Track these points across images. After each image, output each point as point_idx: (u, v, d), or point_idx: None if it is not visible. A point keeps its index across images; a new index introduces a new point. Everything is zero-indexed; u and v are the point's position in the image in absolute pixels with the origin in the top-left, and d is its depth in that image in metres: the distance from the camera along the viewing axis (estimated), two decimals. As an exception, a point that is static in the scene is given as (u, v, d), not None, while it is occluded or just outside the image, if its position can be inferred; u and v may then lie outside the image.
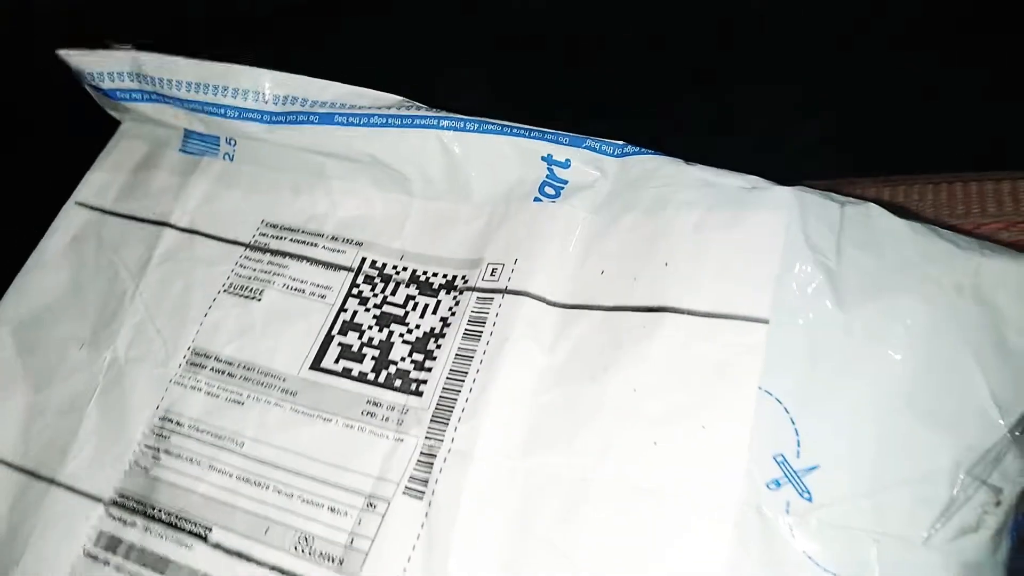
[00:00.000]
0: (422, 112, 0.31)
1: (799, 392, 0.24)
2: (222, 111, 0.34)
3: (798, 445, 0.23)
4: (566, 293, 0.28)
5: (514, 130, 0.30)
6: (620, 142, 0.29)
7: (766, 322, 0.24)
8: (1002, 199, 0.50)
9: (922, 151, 0.54)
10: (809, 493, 0.23)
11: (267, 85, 0.33)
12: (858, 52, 0.52)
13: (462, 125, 0.30)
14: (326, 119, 0.32)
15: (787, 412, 0.24)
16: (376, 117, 0.31)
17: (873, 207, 0.26)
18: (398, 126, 0.31)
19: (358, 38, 0.53)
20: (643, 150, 0.29)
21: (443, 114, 0.31)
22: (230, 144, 0.35)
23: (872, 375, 0.24)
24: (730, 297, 0.25)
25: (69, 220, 0.35)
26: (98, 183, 0.36)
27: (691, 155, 0.50)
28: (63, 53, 0.35)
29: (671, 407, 0.25)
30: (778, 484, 0.23)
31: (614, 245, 0.28)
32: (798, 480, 0.23)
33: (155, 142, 0.36)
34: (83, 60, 0.35)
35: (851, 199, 0.26)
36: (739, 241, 0.26)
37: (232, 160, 0.35)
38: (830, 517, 0.23)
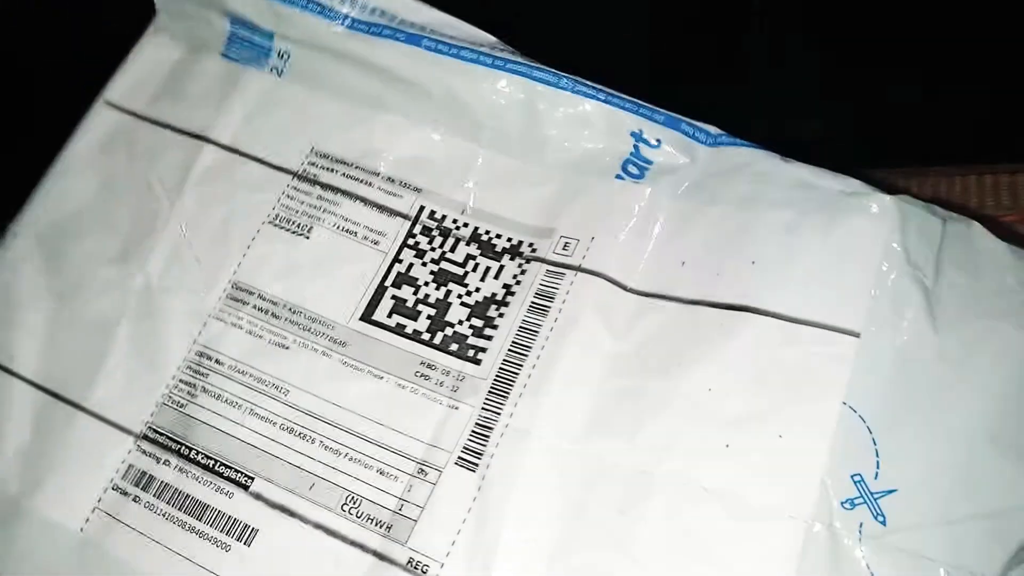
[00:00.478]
0: (516, 58, 0.29)
1: (884, 412, 0.23)
2: (302, 2, 0.31)
3: (877, 467, 0.23)
4: (643, 280, 0.27)
5: (608, 96, 0.28)
6: (716, 129, 0.28)
7: (858, 335, 0.24)
8: (1017, 192, 0.50)
9: (936, 143, 0.53)
10: (884, 516, 0.23)
11: None
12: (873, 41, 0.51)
13: (556, 80, 0.28)
14: (413, 39, 0.29)
15: (869, 431, 0.23)
16: (467, 51, 0.29)
17: (975, 225, 0.25)
18: (488, 65, 0.29)
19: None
20: (739, 141, 0.28)
21: (538, 64, 0.29)
22: (281, 58, 0.32)
23: (960, 402, 0.23)
24: (820, 304, 0.24)
25: (99, 121, 0.33)
26: (130, 83, 0.33)
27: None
28: None
29: (748, 411, 0.24)
30: (853, 504, 0.23)
31: (698, 236, 0.27)
32: (874, 502, 0.23)
33: (194, 42, 0.33)
34: None
35: (953, 214, 0.26)
36: (834, 247, 0.25)
37: (281, 76, 0.32)
38: (903, 543, 0.22)
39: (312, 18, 0.30)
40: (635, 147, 0.28)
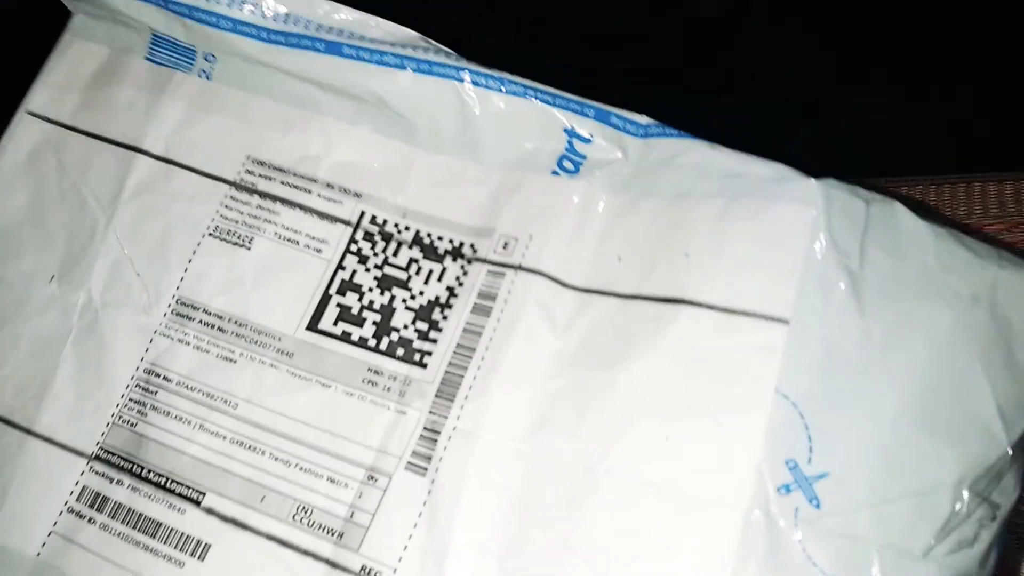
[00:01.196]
0: (440, 58, 0.29)
1: (814, 397, 0.24)
2: (213, 19, 0.30)
3: (810, 452, 0.24)
4: (582, 276, 0.27)
5: (539, 94, 0.28)
6: (647, 120, 0.28)
7: (787, 322, 0.24)
8: (1004, 200, 0.52)
9: (923, 152, 0.54)
10: (818, 500, 0.23)
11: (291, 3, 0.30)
12: (859, 51, 0.52)
13: (484, 81, 0.28)
14: (333, 48, 0.29)
15: (802, 417, 0.24)
16: (390, 56, 0.29)
17: (898, 206, 0.26)
18: (414, 70, 0.29)
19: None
20: (669, 131, 0.28)
21: (465, 64, 0.29)
22: (208, 60, 0.32)
23: (886, 384, 0.24)
24: (751, 293, 0.25)
25: (22, 132, 0.32)
26: (52, 90, 0.32)
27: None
28: None
29: (685, 402, 0.25)
30: (788, 489, 0.24)
31: (633, 230, 0.27)
32: (808, 486, 0.23)
33: (116, 45, 0.33)
34: None
35: (876, 195, 0.26)
36: (762, 235, 0.26)
37: (210, 79, 0.32)
38: (836, 525, 0.23)
39: (227, 35, 0.30)
40: (568, 143, 0.28)
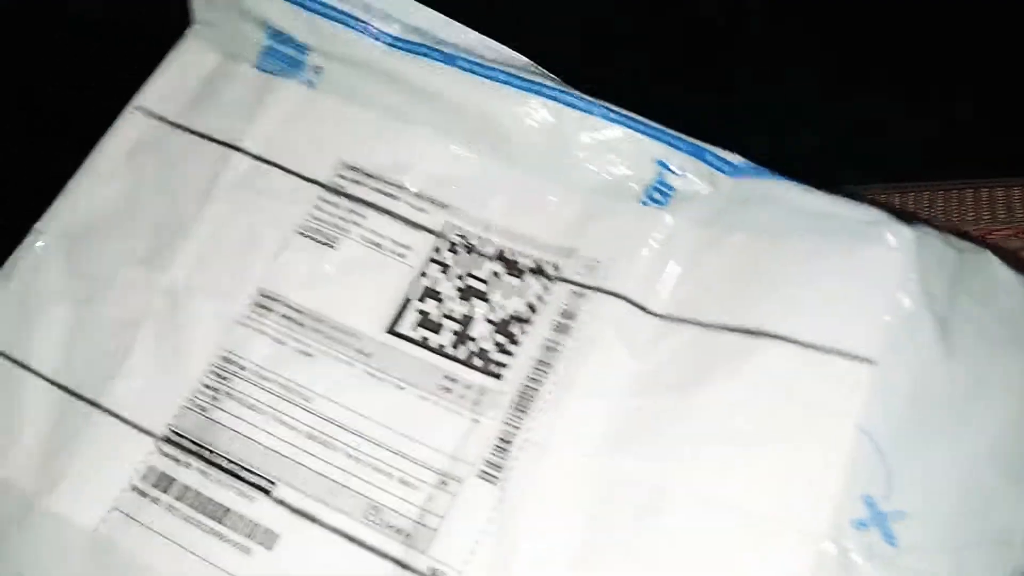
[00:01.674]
0: (548, 81, 0.30)
1: (896, 436, 0.24)
2: (341, 17, 0.31)
3: (889, 490, 0.24)
4: (664, 303, 0.28)
5: (636, 123, 0.29)
6: (740, 160, 0.28)
7: (873, 363, 0.25)
8: (1012, 206, 0.50)
9: (932, 157, 0.54)
10: (894, 539, 0.23)
11: (406, 11, 0.31)
12: (863, 57, 0.52)
13: (586, 105, 0.29)
14: (449, 59, 0.30)
15: (882, 455, 0.24)
16: (500, 73, 0.30)
17: (991, 257, 0.26)
18: (520, 88, 0.29)
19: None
20: (761, 171, 0.28)
21: (569, 89, 0.29)
22: (316, 71, 0.33)
23: (969, 429, 0.24)
24: (837, 332, 0.25)
25: (129, 127, 0.33)
26: (163, 90, 0.34)
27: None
28: None
29: (763, 430, 0.25)
30: (864, 525, 0.24)
31: (720, 262, 0.27)
32: (885, 524, 0.24)
33: (229, 52, 0.34)
34: None
35: (968, 244, 0.26)
36: (851, 275, 0.26)
37: (313, 88, 0.33)
38: (912, 565, 0.23)
39: (353, 34, 0.31)
40: (660, 174, 0.29)
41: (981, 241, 0.26)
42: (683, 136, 0.29)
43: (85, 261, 0.31)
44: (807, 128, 0.54)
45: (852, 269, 0.26)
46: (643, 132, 0.29)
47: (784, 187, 0.28)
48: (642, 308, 0.28)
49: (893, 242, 0.26)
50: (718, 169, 0.29)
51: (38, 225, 0.32)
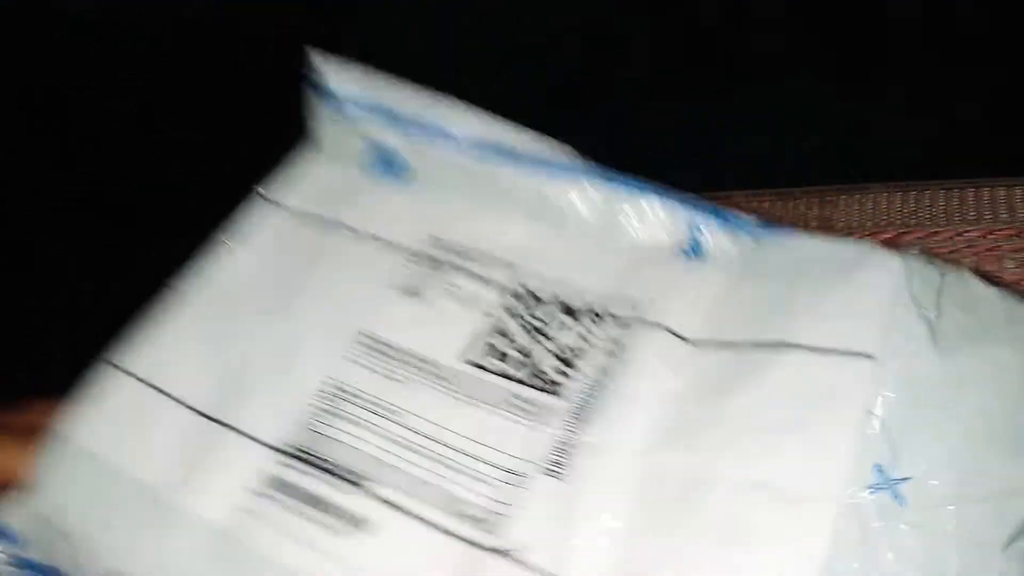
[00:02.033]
0: (591, 165, 0.37)
1: (899, 416, 0.28)
2: (432, 133, 0.39)
3: (895, 459, 0.28)
4: (698, 331, 0.33)
5: (671, 194, 0.36)
6: (755, 220, 0.35)
7: (873, 357, 0.29)
8: (1014, 205, 0.52)
9: (933, 156, 0.55)
10: (903, 498, 0.27)
11: (478, 124, 0.38)
12: (863, 59, 0.55)
13: (627, 183, 0.36)
14: (514, 159, 0.38)
15: (887, 431, 0.28)
16: (559, 169, 0.37)
17: (968, 274, 0.31)
18: (572, 174, 0.37)
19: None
20: (774, 225, 0.35)
21: (614, 172, 0.37)
22: (411, 170, 0.40)
23: (960, 407, 0.28)
24: (841, 335, 0.30)
25: (252, 211, 0.41)
26: (286, 181, 0.41)
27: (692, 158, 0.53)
28: (316, 58, 0.40)
29: (787, 420, 0.29)
30: (876, 489, 0.27)
31: (744, 296, 0.33)
32: (894, 487, 0.27)
33: (338, 155, 0.41)
34: (329, 67, 0.40)
35: (949, 266, 0.31)
36: (852, 294, 0.31)
37: (408, 183, 0.40)
38: (920, 520, 0.27)
39: (439, 144, 0.39)
40: (693, 235, 0.35)
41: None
42: (711, 204, 0.36)
43: (219, 313, 0.38)
44: (807, 128, 0.57)
45: (852, 289, 0.31)
46: (677, 201, 0.36)
47: (792, 237, 0.34)
48: (680, 336, 0.33)
49: (886, 266, 0.31)
50: (739, 227, 0.35)
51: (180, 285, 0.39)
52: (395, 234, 0.39)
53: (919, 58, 0.55)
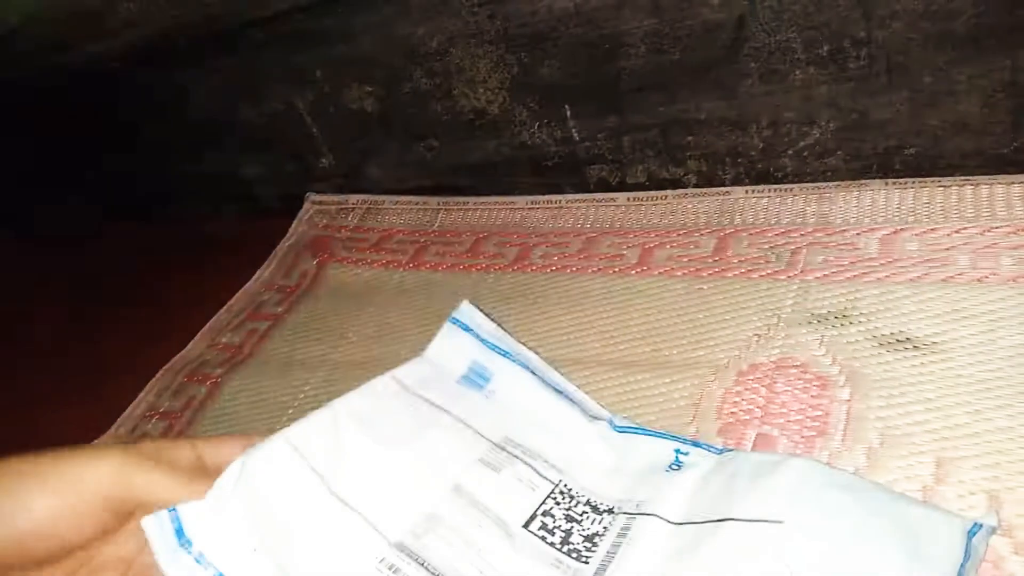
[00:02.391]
0: (606, 416, 0.51)
1: (802, 562, 0.39)
2: (511, 357, 0.53)
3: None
4: (678, 515, 0.44)
5: (659, 434, 0.49)
6: (720, 445, 0.47)
7: (781, 522, 0.40)
8: (1012, 203, 0.54)
9: (931, 153, 0.57)
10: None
11: (542, 369, 0.54)
12: (867, 54, 0.56)
13: (631, 430, 0.50)
14: (560, 394, 0.53)
15: (790, 566, 0.38)
16: (591, 415, 0.52)
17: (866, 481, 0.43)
18: (603, 423, 0.51)
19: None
20: (730, 449, 0.47)
21: (622, 421, 0.51)
22: (492, 392, 0.53)
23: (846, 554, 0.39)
24: (762, 510, 0.41)
25: (384, 385, 0.51)
26: (407, 372, 0.52)
27: (698, 153, 0.62)
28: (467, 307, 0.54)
29: (731, 564, 0.40)
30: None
31: (707, 492, 0.44)
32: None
33: (446, 370, 0.53)
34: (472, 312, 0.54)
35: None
36: (772, 484, 0.42)
37: (489, 396, 0.53)
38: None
39: (516, 369, 0.53)
40: (676, 456, 0.48)
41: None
42: (689, 437, 0.49)
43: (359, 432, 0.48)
44: (808, 124, 0.60)
45: (770, 480, 0.42)
46: (664, 437, 0.49)
47: (737, 454, 0.46)
48: (666, 520, 0.45)
49: (791, 465, 0.43)
50: (708, 450, 0.47)
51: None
52: (481, 425, 0.51)
53: (918, 53, 0.55)
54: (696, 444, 0.48)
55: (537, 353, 0.54)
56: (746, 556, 0.40)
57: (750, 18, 0.56)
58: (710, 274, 0.59)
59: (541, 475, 0.49)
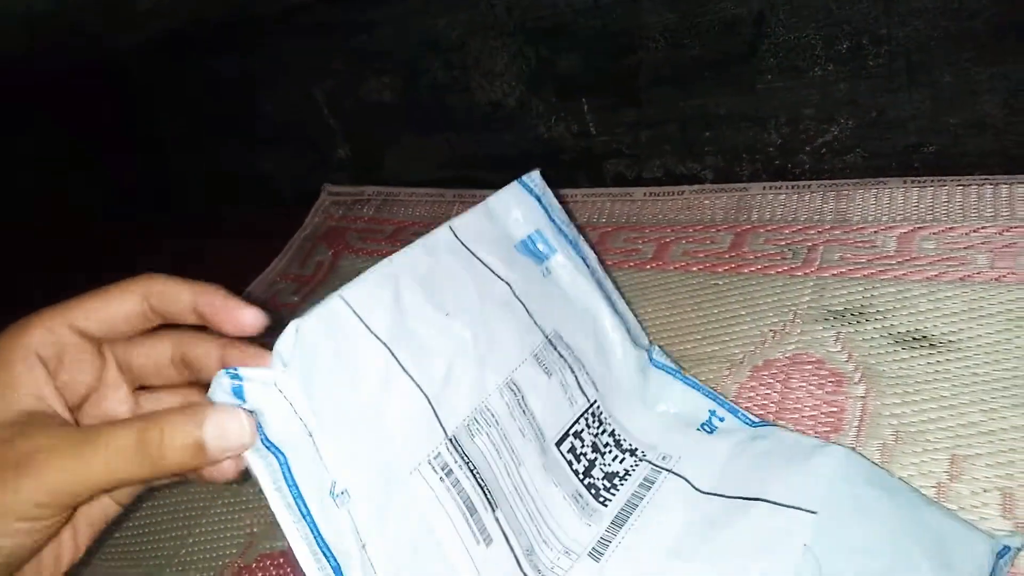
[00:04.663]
0: (646, 345, 0.51)
1: (827, 552, 0.38)
2: (570, 242, 0.50)
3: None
4: (706, 484, 0.44)
5: (699, 388, 0.48)
6: (755, 418, 0.47)
7: (815, 512, 0.40)
8: None
9: (952, 151, 0.57)
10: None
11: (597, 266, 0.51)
12: (886, 51, 0.56)
13: (675, 375, 0.49)
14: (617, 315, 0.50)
15: (819, 562, 0.38)
16: (636, 340, 0.50)
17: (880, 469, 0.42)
18: (646, 354, 0.50)
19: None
20: (765, 423, 0.46)
21: (670, 363, 0.50)
22: (548, 271, 0.49)
23: (871, 548, 0.38)
24: (797, 496, 0.40)
25: (442, 237, 0.45)
26: (467, 223, 0.46)
27: (715, 149, 0.63)
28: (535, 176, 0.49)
29: (754, 548, 0.40)
30: None
31: (739, 465, 0.44)
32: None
33: (506, 224, 0.49)
34: (539, 181, 0.49)
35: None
36: (808, 470, 0.42)
37: (546, 276, 0.49)
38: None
39: (572, 254, 0.50)
40: (709, 417, 0.47)
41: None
42: (723, 397, 0.48)
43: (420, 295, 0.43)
44: (827, 121, 0.59)
45: (807, 467, 0.42)
46: (699, 389, 0.48)
47: (774, 430, 0.46)
48: (693, 486, 0.44)
49: (832, 453, 0.42)
50: (743, 420, 0.47)
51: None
52: (538, 314, 0.47)
53: (939, 51, 0.54)
54: (733, 410, 0.47)
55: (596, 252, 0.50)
56: (775, 541, 0.39)
57: (769, 14, 0.56)
58: (726, 270, 0.59)
59: (581, 389, 0.47)
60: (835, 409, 0.47)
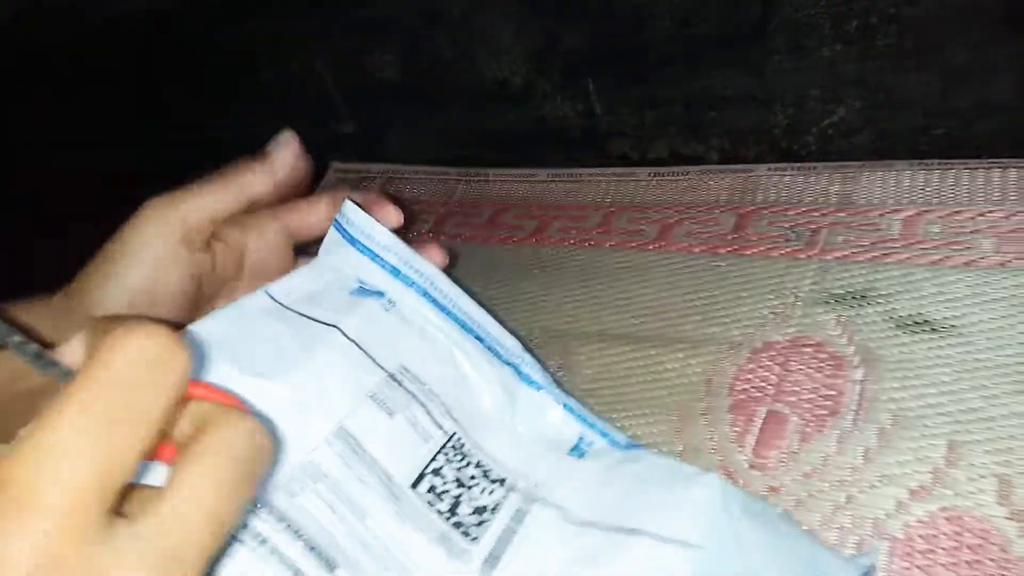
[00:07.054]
0: (515, 360, 0.47)
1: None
2: (408, 281, 0.47)
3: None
4: (579, 513, 0.42)
5: (573, 410, 0.46)
6: (625, 438, 0.46)
7: (700, 547, 0.38)
8: None
9: (960, 134, 0.56)
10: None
11: (442, 285, 0.46)
12: (896, 30, 0.55)
13: (547, 393, 0.46)
14: (476, 338, 0.47)
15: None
16: (503, 358, 0.47)
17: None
18: (512, 371, 0.47)
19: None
20: (636, 445, 0.46)
21: (543, 377, 0.47)
22: (392, 303, 0.47)
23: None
24: (679, 529, 0.39)
25: (256, 302, 0.45)
26: (287, 287, 0.46)
27: (721, 130, 0.61)
28: (350, 204, 0.46)
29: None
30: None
31: (614, 492, 0.43)
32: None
33: (336, 278, 0.47)
34: (359, 215, 0.46)
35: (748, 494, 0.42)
36: (687, 500, 0.40)
37: (388, 311, 0.47)
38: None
39: (412, 293, 0.46)
40: (578, 441, 0.46)
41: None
42: (596, 419, 0.47)
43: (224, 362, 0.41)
44: (834, 102, 0.59)
45: (688, 496, 0.41)
46: (574, 415, 0.46)
47: (646, 453, 0.45)
48: (567, 516, 0.42)
49: (709, 483, 0.41)
50: (612, 442, 0.46)
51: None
52: (377, 351, 0.45)
53: (949, 31, 0.53)
54: (603, 433, 0.46)
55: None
56: (650, 572, 0.38)
57: (778, -8, 0.55)
58: (728, 251, 0.59)
59: (436, 423, 0.43)
60: (833, 393, 0.46)
